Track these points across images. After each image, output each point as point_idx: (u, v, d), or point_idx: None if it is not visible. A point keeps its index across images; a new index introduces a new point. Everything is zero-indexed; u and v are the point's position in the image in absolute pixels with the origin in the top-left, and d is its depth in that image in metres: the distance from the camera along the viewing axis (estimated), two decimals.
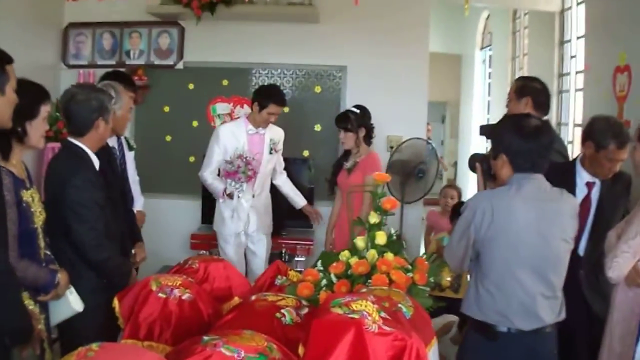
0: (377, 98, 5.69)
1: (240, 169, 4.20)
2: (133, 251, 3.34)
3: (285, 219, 5.05)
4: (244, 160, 4.22)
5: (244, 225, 4.44)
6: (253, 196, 4.40)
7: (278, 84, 5.78)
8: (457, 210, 4.42)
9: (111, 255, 2.85)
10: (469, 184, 7.97)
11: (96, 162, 2.90)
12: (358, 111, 4.37)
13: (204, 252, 5.13)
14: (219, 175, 4.46)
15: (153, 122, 5.93)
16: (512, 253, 2.53)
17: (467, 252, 2.61)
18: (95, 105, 2.84)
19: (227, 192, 4.31)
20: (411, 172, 5.45)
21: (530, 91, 3.54)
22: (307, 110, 5.82)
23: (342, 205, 4.44)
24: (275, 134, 4.49)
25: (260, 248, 4.53)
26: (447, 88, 11.94)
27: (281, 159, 4.63)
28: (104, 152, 3.07)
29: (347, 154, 4.46)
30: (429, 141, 5.76)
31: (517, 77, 6.85)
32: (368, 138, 4.41)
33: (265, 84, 5.35)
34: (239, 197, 4.31)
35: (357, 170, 4.30)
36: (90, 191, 2.77)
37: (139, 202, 4.24)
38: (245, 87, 5.77)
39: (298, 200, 4.71)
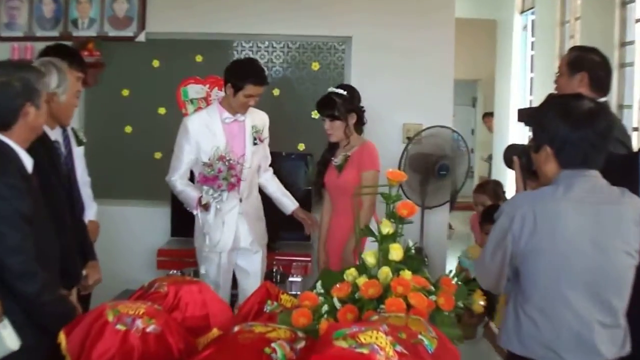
0: (389, 77, 5.72)
1: (222, 174, 4.15)
2: (84, 272, 3.33)
3: (276, 229, 5.05)
4: (226, 163, 4.18)
5: (234, 240, 4.43)
6: (240, 200, 4.39)
7: (266, 60, 5.80)
8: (488, 215, 4.43)
9: (44, 288, 2.68)
10: (506, 184, 7.98)
11: (27, 161, 2.79)
12: (345, 93, 4.35)
13: (175, 272, 5.15)
14: (192, 180, 4.46)
15: (108, 109, 5.95)
16: (561, 270, 2.53)
17: (503, 269, 2.62)
18: (19, 88, 2.74)
19: (202, 202, 4.26)
20: (432, 168, 5.46)
21: (587, 65, 3.54)
22: (302, 92, 5.84)
23: (334, 213, 4.42)
24: (258, 119, 4.49)
25: (255, 264, 4.52)
26: (479, 63, 11.95)
27: (267, 150, 4.62)
28: (44, 147, 3.02)
29: (333, 147, 4.44)
30: (455, 130, 5.78)
31: (567, 47, 6.86)
32: (359, 125, 4.41)
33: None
34: (217, 208, 4.28)
35: (350, 167, 4.29)
36: (13, 201, 2.64)
37: (91, 211, 4.24)
38: (224, 65, 5.63)
39: (287, 202, 4.68)
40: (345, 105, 4.30)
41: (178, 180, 4.41)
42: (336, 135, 4.35)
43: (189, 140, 4.35)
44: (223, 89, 4.46)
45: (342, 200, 4.30)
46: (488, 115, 11.80)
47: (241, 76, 4.27)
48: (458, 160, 5.65)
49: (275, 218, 4.83)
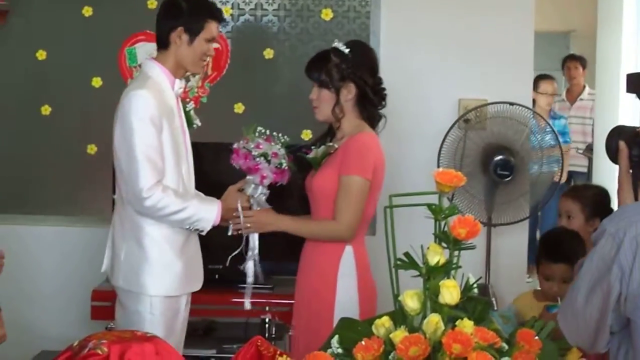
0: (438, 31, 5.73)
1: (281, 155, 4.25)
2: None
3: (271, 257, 5.03)
4: (280, 142, 4.27)
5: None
6: None
7: (253, 5, 5.81)
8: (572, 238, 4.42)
9: None
10: (613, 186, 7.92)
11: None
12: (347, 51, 4.34)
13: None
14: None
15: (16, 80, 6.00)
16: None
17: (604, 319, 2.60)
18: None
19: (249, 202, 4.30)
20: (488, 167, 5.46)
21: None
22: (307, 54, 5.82)
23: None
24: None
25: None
26: (572, 7, 11.89)
27: None
28: None
29: (330, 134, 4.41)
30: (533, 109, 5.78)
31: None
32: (365, 106, 4.31)
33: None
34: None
35: (330, 165, 4.24)
36: None
37: None
38: None
39: None
40: (341, 69, 4.26)
41: (170, 189, 4.19)
42: (322, 110, 4.32)
43: (156, 122, 4.19)
44: (164, 41, 4.31)
45: (316, 212, 4.32)
46: (573, 60, 11.23)
47: (197, 10, 4.28)
48: (539, 155, 5.65)
49: (269, 241, 4.81)
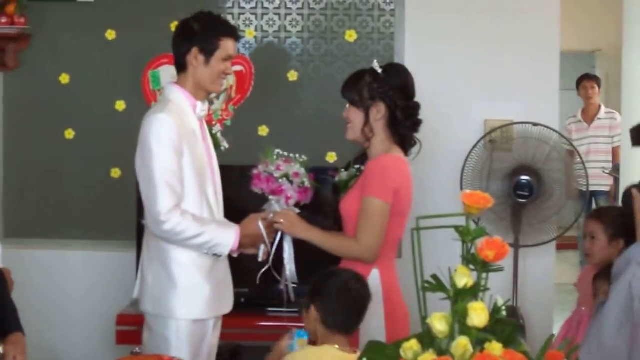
0: (463, 51, 5.73)
1: (302, 174, 4.25)
2: (0, 350, 3.37)
3: (302, 277, 4.98)
4: (298, 162, 4.27)
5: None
6: None
7: (276, 27, 5.82)
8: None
9: None
10: None
11: None
12: (381, 71, 4.31)
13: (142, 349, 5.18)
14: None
15: (39, 104, 6.04)
16: None
17: (634, 352, 2.59)
18: None
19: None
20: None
21: None
22: (331, 76, 5.84)
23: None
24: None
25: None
26: (597, 25, 11.83)
27: None
28: None
29: (364, 156, 4.38)
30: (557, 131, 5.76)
31: None
32: (397, 128, 4.29)
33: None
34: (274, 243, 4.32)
35: (357, 187, 4.27)
36: None
37: None
38: None
39: None
40: (372, 88, 4.24)
41: (188, 213, 4.18)
42: (352, 129, 4.29)
43: (176, 146, 4.19)
44: (181, 65, 4.34)
45: (345, 233, 4.32)
46: (589, 80, 11.08)
47: (210, 29, 4.27)
48: (564, 175, 5.64)
49: (302, 259, 4.68)
